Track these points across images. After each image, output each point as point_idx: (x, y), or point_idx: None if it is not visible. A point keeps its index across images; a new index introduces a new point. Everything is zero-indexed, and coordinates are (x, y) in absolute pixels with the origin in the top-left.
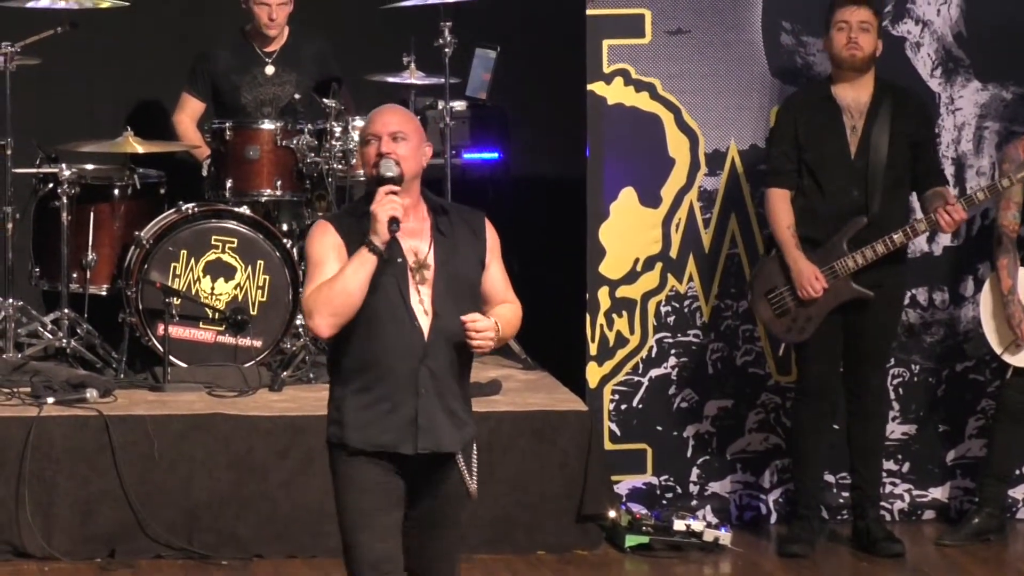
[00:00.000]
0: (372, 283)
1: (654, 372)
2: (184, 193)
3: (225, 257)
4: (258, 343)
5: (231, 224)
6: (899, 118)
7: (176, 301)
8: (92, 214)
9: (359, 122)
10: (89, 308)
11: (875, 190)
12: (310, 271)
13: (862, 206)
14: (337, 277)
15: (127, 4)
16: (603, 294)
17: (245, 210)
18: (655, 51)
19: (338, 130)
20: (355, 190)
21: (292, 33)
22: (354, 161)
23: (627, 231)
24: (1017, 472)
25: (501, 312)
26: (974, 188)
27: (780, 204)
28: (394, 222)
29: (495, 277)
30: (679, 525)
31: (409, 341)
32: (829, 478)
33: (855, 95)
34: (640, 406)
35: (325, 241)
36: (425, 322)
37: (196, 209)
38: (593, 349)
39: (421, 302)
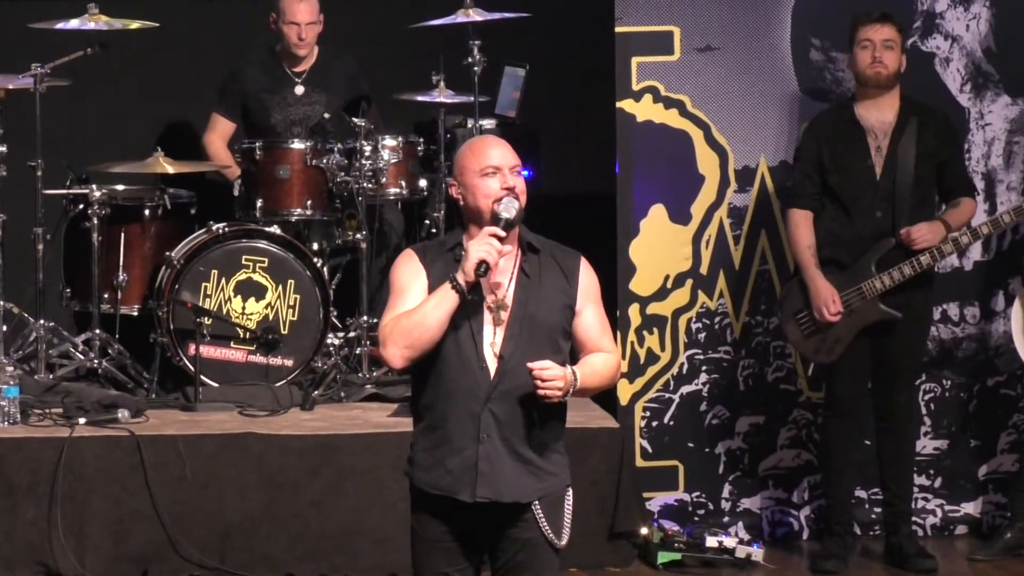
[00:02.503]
0: (458, 309)
1: (685, 389)
2: (214, 213)
3: (256, 277)
4: (289, 362)
5: (261, 244)
6: (925, 138)
7: (207, 321)
8: (123, 235)
9: (389, 141)
10: (120, 328)
11: (901, 211)
12: (391, 299)
13: (888, 227)
14: (417, 310)
15: (156, 25)
16: (634, 311)
17: (275, 230)
18: (684, 68)
19: (368, 149)
20: (385, 209)
21: (321, 53)
22: (384, 180)
23: (657, 248)
24: None
25: (591, 361)
26: (1000, 212)
27: (801, 225)
28: (483, 265)
29: (589, 323)
30: (711, 542)
31: (475, 382)
32: (861, 494)
33: (879, 115)
34: (671, 423)
35: (409, 271)
36: (494, 364)
37: (226, 229)
38: (624, 366)
39: (493, 344)
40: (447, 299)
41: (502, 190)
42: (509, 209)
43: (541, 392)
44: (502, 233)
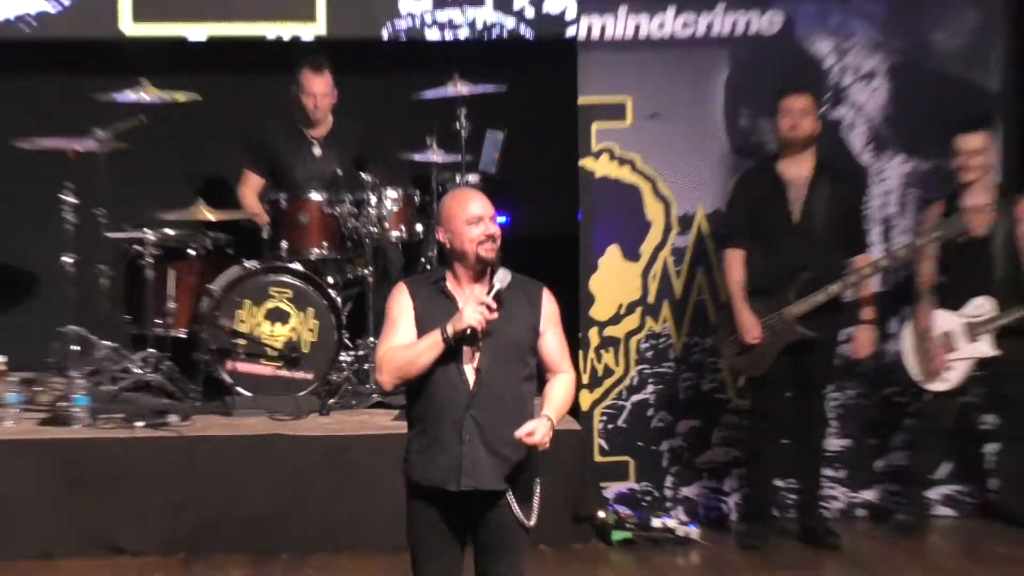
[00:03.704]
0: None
1: (635, 397)
2: (248, 252)
3: (282, 305)
4: (309, 375)
5: (286, 278)
6: (834, 190)
7: (241, 342)
8: (172, 271)
9: (391, 193)
10: (171, 348)
11: (815, 250)
12: (385, 328)
13: (804, 263)
14: (409, 350)
15: (198, 97)
16: (593, 333)
17: (297, 266)
18: (635, 132)
19: (373, 200)
20: (388, 249)
21: (336, 121)
22: (387, 225)
23: (612, 281)
24: (933, 477)
25: (554, 396)
26: (895, 248)
27: (735, 262)
28: (471, 329)
29: (551, 344)
30: (656, 523)
31: (457, 394)
32: (779, 484)
33: (798, 170)
34: (624, 425)
35: (401, 304)
36: (473, 377)
37: (257, 266)
38: (585, 379)
39: (472, 361)
40: (436, 347)
41: (484, 236)
42: (504, 280)
43: (534, 444)
44: (493, 304)
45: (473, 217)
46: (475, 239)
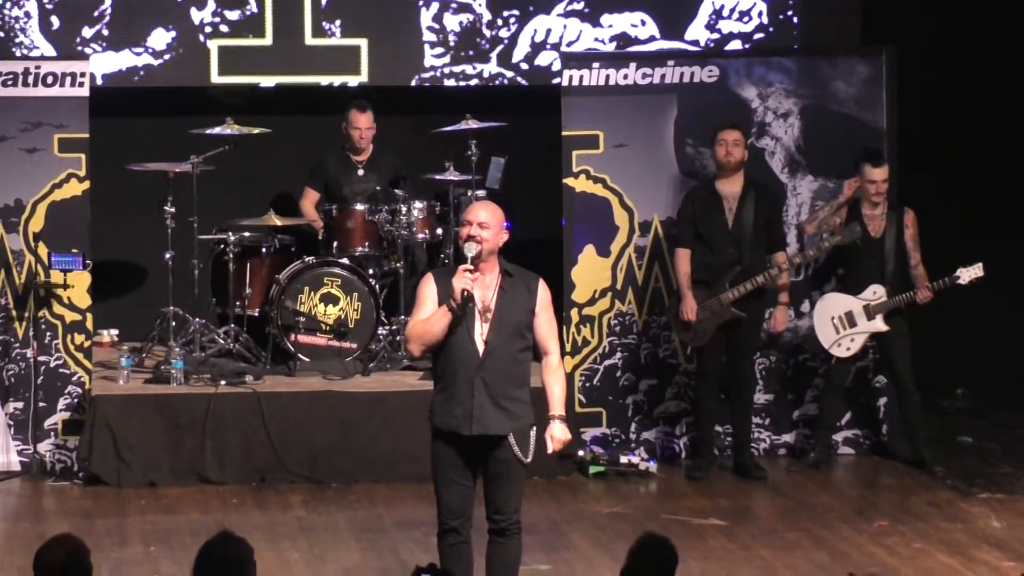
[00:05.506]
0: (453, 320)
1: (607, 362)
2: (307, 250)
3: (333, 290)
4: (354, 345)
5: (336, 270)
6: (760, 203)
7: (302, 319)
8: (248, 264)
9: (417, 204)
10: (247, 324)
11: (745, 249)
12: (415, 309)
13: (737, 259)
14: (428, 321)
15: (269, 131)
16: (574, 312)
17: (345, 261)
18: (606, 158)
19: (404, 209)
20: (415, 248)
21: (375, 148)
22: (414, 229)
23: (589, 272)
24: (837, 424)
25: (555, 394)
26: (807, 248)
27: (682, 259)
28: (464, 293)
29: (542, 325)
30: (623, 460)
31: (470, 360)
32: (719, 429)
33: (731, 188)
34: (599, 384)
35: (427, 290)
36: (482, 348)
37: (314, 260)
38: (569, 348)
39: (482, 335)
40: (444, 316)
41: (466, 235)
42: (469, 250)
43: (565, 442)
44: (471, 267)
45: (464, 220)
46: (461, 237)
